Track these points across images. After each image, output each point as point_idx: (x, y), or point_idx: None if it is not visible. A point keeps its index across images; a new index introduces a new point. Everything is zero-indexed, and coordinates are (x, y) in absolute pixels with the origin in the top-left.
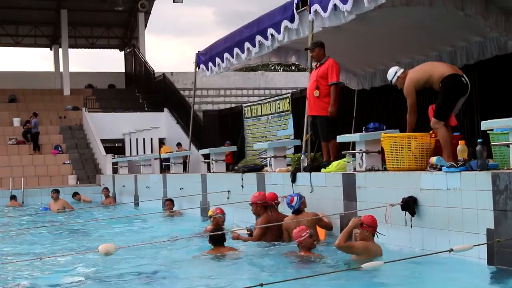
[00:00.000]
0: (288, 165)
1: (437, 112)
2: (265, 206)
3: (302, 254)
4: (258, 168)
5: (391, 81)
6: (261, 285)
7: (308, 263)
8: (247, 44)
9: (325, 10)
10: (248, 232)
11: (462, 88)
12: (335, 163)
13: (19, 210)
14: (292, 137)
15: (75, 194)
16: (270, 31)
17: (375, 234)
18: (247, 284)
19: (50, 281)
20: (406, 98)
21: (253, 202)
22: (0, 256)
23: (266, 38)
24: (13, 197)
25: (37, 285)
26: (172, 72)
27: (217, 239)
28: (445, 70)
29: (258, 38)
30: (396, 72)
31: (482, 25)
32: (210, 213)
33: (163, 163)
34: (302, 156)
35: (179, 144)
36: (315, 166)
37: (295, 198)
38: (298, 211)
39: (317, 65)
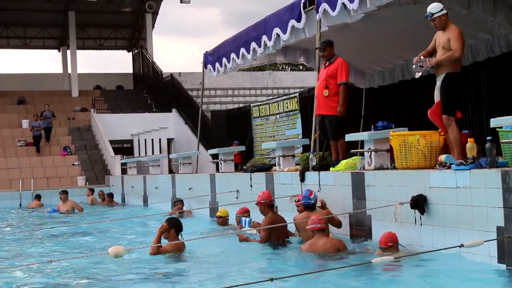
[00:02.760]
0: (296, 164)
1: (445, 108)
2: (270, 205)
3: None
4: (266, 168)
5: (433, 14)
6: (271, 279)
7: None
8: (253, 44)
9: (333, 9)
10: (257, 233)
11: (462, 86)
12: (343, 162)
13: (33, 212)
14: (301, 136)
15: (90, 190)
16: (276, 30)
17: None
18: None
19: (60, 283)
20: (453, 40)
21: (258, 202)
22: (10, 259)
23: (272, 38)
24: (37, 197)
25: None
26: (180, 73)
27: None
28: (459, 66)
29: (265, 38)
30: (442, 9)
31: (489, 22)
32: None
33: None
34: (311, 155)
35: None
36: (324, 165)
37: (313, 192)
38: (313, 206)
39: (326, 64)
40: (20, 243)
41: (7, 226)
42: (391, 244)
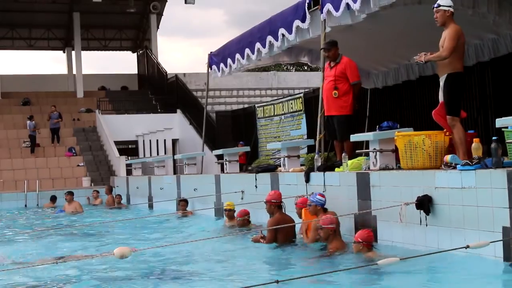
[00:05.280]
0: (301, 165)
1: (449, 109)
2: (278, 205)
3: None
4: (271, 168)
5: (440, 5)
6: (277, 282)
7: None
8: (258, 45)
9: (337, 9)
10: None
11: (465, 85)
12: (348, 162)
13: (31, 213)
14: (305, 136)
15: (97, 191)
16: (281, 31)
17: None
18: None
19: (65, 284)
20: (447, 39)
21: (267, 200)
22: (14, 259)
23: (277, 39)
24: (52, 198)
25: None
26: (184, 73)
27: None
28: (461, 66)
29: (269, 38)
30: (450, 6)
31: (492, 23)
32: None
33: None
34: (316, 156)
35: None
36: (329, 166)
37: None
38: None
39: (332, 65)
40: (26, 243)
41: (12, 226)
42: (360, 240)
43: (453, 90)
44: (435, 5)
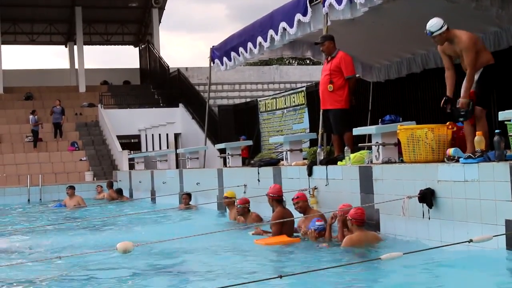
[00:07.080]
0: (304, 158)
1: (481, 100)
2: (278, 199)
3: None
4: (274, 162)
5: (433, 32)
6: (280, 277)
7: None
8: (259, 39)
9: (339, 2)
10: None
11: (497, 76)
12: (351, 156)
13: (29, 208)
14: (308, 130)
15: (100, 186)
16: (283, 25)
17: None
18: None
19: (69, 279)
20: (465, 53)
21: (267, 194)
22: (18, 254)
23: (278, 32)
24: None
25: (56, 283)
26: (187, 68)
27: None
28: (491, 57)
29: (271, 32)
30: (442, 26)
31: (495, 16)
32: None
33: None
34: (318, 150)
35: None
36: (331, 159)
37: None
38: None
39: (329, 59)
40: (28, 239)
41: (16, 221)
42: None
43: (486, 82)
44: (428, 33)
